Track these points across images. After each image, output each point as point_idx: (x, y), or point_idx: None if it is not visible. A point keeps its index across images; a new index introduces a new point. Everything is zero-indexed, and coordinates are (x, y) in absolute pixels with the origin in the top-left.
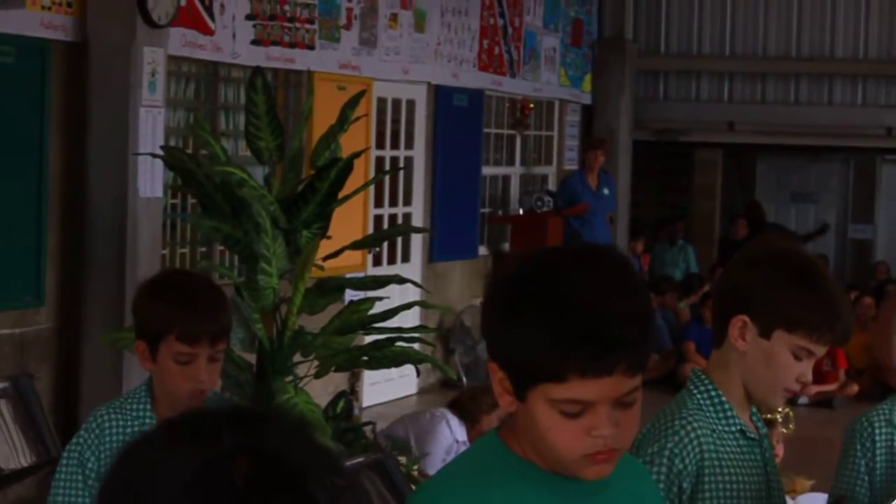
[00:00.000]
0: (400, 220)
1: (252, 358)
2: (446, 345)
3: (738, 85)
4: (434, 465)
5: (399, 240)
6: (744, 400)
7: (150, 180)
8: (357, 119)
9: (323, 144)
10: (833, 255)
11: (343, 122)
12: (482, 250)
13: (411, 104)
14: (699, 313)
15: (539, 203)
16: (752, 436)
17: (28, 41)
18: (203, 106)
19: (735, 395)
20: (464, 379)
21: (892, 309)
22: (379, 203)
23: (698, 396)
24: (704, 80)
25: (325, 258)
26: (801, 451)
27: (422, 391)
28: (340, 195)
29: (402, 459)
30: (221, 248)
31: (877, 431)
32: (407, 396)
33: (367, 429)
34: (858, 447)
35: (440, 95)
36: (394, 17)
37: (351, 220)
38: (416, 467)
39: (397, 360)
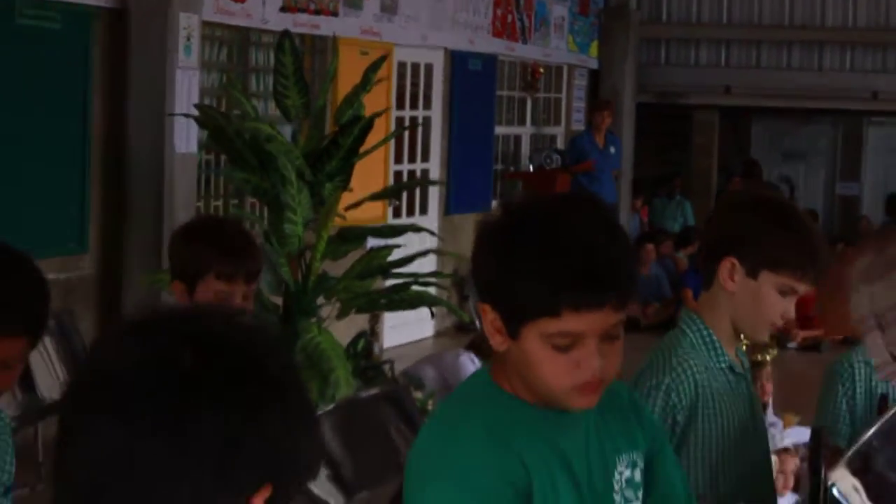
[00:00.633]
0: (418, 176)
1: (279, 300)
2: (461, 291)
3: (735, 51)
4: None
5: (417, 194)
6: (731, 337)
7: (186, 137)
8: (379, 81)
9: (347, 103)
10: (822, 211)
11: (366, 83)
12: (495, 204)
13: (429, 68)
14: (696, 263)
15: (548, 160)
16: (739, 371)
17: (73, 8)
18: (235, 68)
19: (724, 333)
20: (477, 323)
21: (846, 266)
22: (399, 159)
23: (691, 336)
24: (703, 47)
25: (347, 208)
26: (789, 391)
27: (438, 334)
28: (361, 150)
29: (418, 395)
30: (252, 200)
31: (856, 371)
32: (424, 339)
33: (386, 367)
34: (839, 387)
35: (456, 60)
36: None
37: (373, 174)
38: (430, 401)
39: (413, 302)
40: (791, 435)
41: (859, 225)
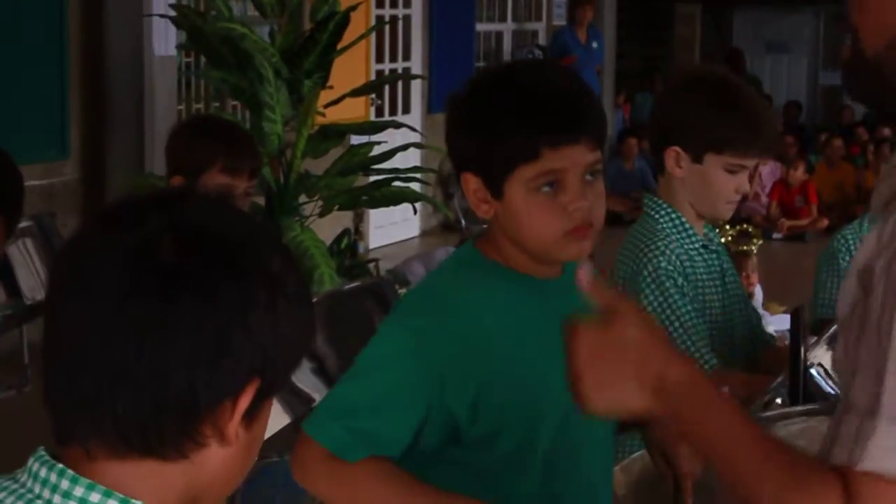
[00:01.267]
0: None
1: (261, 200)
2: (446, 190)
3: None
4: None
5: (399, 92)
6: (696, 217)
7: (165, 40)
8: None
9: (323, 0)
10: (805, 101)
11: None
12: None
13: None
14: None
15: (530, 56)
16: (713, 247)
17: None
18: None
19: (688, 214)
20: (462, 221)
21: None
22: (380, 59)
23: (661, 220)
24: None
25: (327, 105)
26: (776, 281)
27: (424, 233)
28: (340, 46)
29: (402, 291)
30: (233, 103)
31: (852, 243)
32: (410, 239)
33: (371, 266)
34: (838, 262)
35: None
36: None
37: (354, 73)
38: None
39: (395, 198)
40: (774, 322)
41: (842, 115)
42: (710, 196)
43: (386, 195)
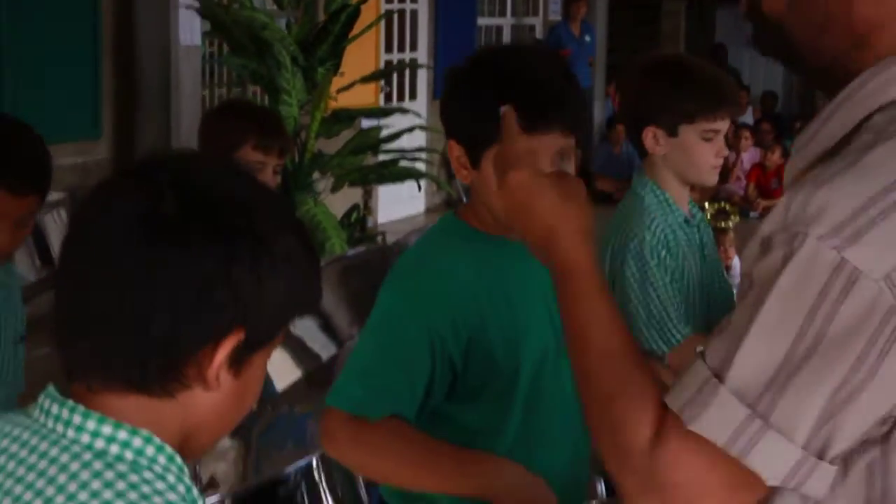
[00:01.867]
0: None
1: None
2: (449, 170)
3: None
4: None
5: (407, 81)
6: (681, 192)
7: (190, 30)
8: None
9: None
10: (781, 91)
11: None
12: None
13: None
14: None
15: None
16: (694, 223)
17: None
18: None
19: (673, 190)
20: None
21: None
22: (389, 49)
23: (646, 197)
24: None
25: (339, 91)
26: None
27: (428, 210)
28: (350, 35)
29: None
30: (253, 89)
31: None
32: (416, 215)
33: (379, 238)
34: None
35: None
36: None
37: (364, 62)
38: None
39: (401, 176)
40: None
41: (815, 104)
42: (693, 165)
43: (393, 173)
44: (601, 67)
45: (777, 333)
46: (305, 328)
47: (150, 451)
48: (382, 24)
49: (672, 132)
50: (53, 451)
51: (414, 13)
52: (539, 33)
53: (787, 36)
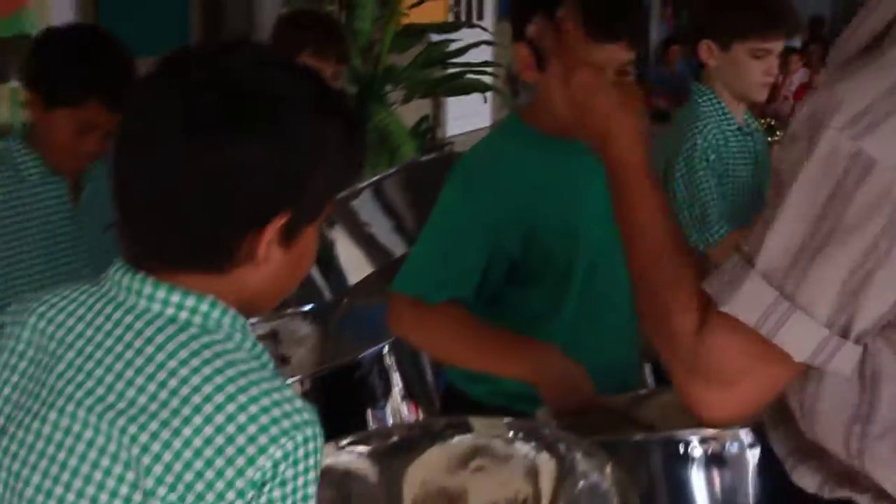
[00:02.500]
0: None
1: (353, 90)
2: (514, 86)
3: None
4: None
5: (475, 1)
6: (735, 103)
7: None
8: None
9: None
10: (828, 15)
11: None
12: None
13: None
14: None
15: None
16: (748, 130)
17: None
18: None
19: (727, 99)
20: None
21: None
22: None
23: (703, 104)
24: None
25: (411, 6)
26: None
27: (494, 124)
28: None
29: None
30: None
31: None
32: (482, 129)
33: (447, 148)
34: None
35: None
36: None
37: None
38: None
39: (468, 88)
40: None
41: None
42: (742, 80)
43: (460, 85)
44: None
45: (800, 218)
46: (379, 227)
47: (215, 314)
48: None
49: (725, 47)
50: (128, 319)
51: None
52: None
53: None
